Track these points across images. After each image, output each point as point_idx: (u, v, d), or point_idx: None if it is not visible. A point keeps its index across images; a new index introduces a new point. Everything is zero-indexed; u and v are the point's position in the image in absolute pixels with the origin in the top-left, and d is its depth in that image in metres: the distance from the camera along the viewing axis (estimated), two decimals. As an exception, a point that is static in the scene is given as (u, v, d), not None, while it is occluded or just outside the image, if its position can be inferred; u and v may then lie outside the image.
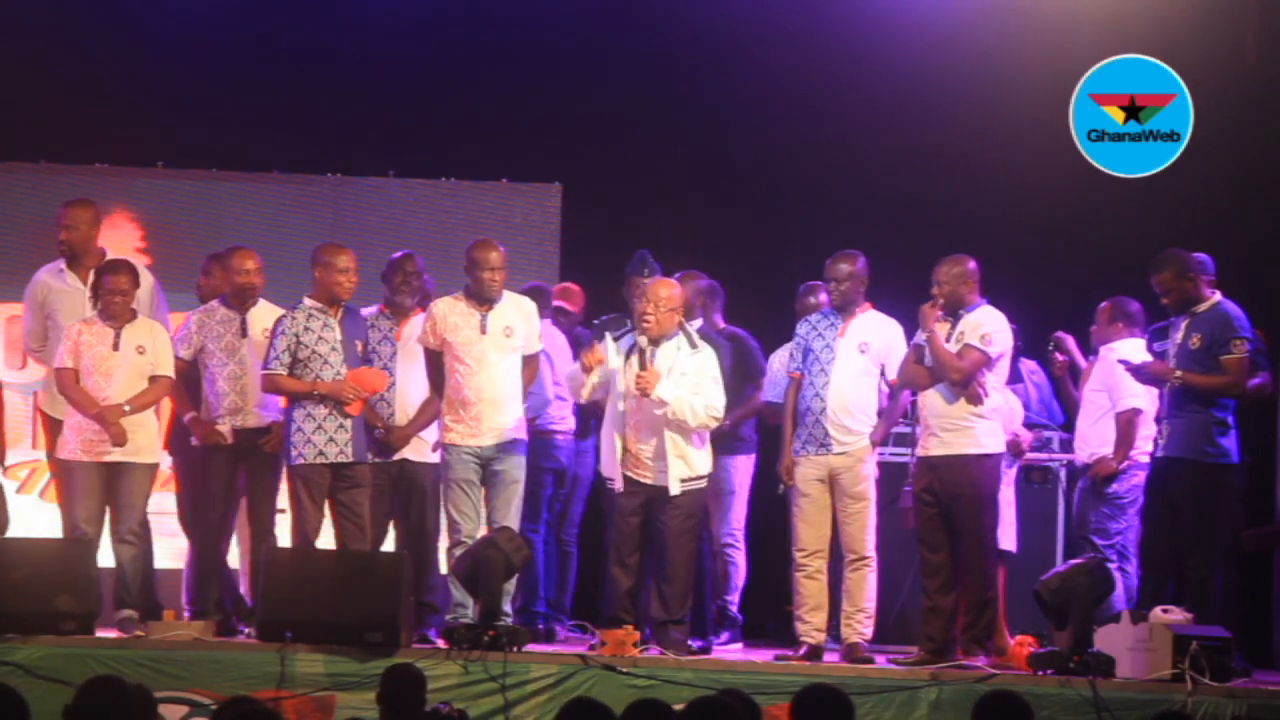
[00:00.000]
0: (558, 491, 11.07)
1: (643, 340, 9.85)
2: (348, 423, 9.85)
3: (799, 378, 10.12)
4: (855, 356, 10.02)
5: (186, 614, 10.08)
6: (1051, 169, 11.54)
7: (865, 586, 9.90)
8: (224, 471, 10.11)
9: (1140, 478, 10.22)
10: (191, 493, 10.35)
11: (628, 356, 9.89)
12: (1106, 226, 12.00)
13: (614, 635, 9.51)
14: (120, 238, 11.99)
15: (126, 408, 9.83)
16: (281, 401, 10.05)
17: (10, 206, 12.43)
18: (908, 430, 10.43)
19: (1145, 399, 10.24)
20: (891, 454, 10.54)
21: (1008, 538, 10.37)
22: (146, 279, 10.44)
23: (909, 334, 10.06)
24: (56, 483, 10.33)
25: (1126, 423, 10.34)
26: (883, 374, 10.07)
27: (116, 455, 9.83)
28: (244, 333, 10.18)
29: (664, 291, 9.89)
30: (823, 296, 10.45)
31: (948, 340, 9.82)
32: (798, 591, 10.00)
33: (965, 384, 9.73)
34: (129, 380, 9.90)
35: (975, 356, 9.75)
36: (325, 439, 9.83)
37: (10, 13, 12.17)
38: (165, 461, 10.47)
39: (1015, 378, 10.75)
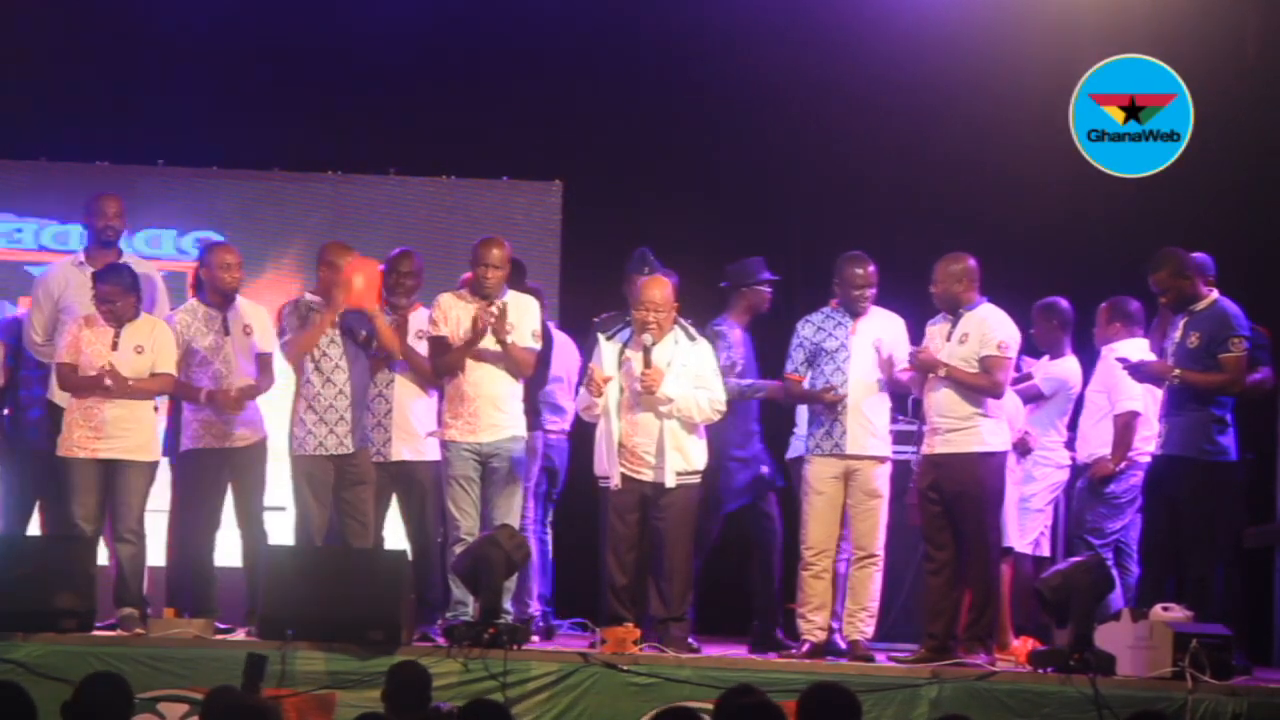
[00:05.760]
0: (551, 490, 11.06)
1: (646, 339, 9.82)
2: (348, 415, 9.84)
3: (799, 380, 10.06)
4: (871, 354, 10.01)
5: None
6: (1051, 169, 11.54)
7: (870, 585, 9.89)
8: (212, 471, 10.06)
9: (1139, 477, 10.22)
10: (181, 493, 10.28)
11: (623, 352, 9.88)
12: (1106, 226, 12.01)
13: (615, 633, 9.50)
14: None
15: (130, 381, 9.79)
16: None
17: (11, 204, 12.43)
18: (912, 428, 10.44)
19: (1144, 401, 10.23)
20: (897, 451, 10.53)
21: (1012, 535, 10.39)
22: (143, 269, 10.43)
23: (911, 330, 10.07)
24: None
25: (1124, 425, 10.33)
26: (891, 365, 10.03)
27: (114, 453, 9.80)
28: (226, 330, 10.11)
29: (658, 294, 9.86)
30: (861, 270, 10.04)
31: (949, 338, 9.85)
32: (802, 589, 9.97)
33: (1001, 392, 9.80)
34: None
35: (1003, 364, 9.80)
36: (325, 431, 9.83)
37: (10, 10, 12.17)
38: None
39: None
